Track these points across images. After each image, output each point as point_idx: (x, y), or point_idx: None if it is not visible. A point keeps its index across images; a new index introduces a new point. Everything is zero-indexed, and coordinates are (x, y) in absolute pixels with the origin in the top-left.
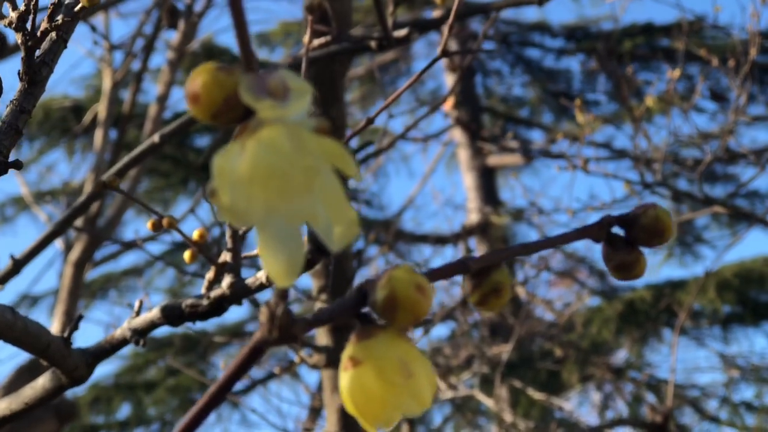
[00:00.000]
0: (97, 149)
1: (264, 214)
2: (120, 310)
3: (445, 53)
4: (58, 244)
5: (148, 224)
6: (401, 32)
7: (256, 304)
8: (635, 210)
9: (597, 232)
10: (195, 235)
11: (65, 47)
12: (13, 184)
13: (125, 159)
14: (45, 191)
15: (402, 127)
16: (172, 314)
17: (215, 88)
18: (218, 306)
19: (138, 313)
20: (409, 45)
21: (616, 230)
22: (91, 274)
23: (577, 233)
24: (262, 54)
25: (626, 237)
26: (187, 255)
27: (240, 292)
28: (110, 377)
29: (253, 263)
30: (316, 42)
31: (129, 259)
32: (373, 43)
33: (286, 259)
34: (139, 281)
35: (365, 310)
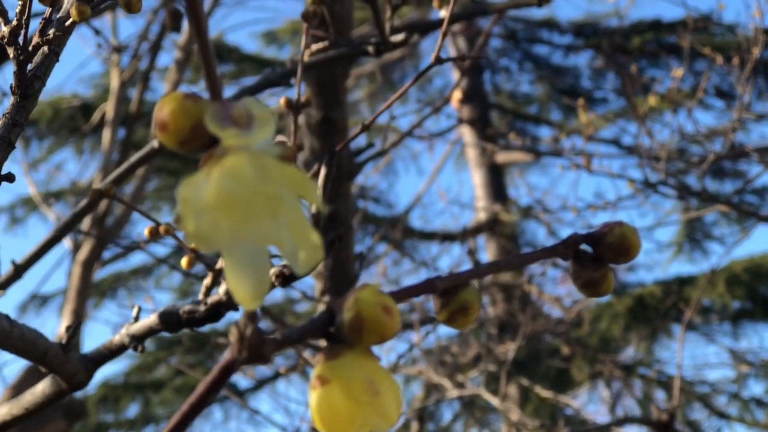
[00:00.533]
0: (105, 148)
1: (229, 239)
2: (129, 310)
3: (439, 60)
4: (66, 244)
5: (146, 231)
6: (398, 37)
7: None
8: (601, 228)
9: (564, 250)
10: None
11: (57, 60)
12: (23, 184)
13: (124, 165)
14: (54, 191)
15: (410, 125)
16: (169, 320)
17: (182, 116)
18: (215, 312)
19: (136, 319)
20: (410, 45)
21: (585, 248)
22: (101, 274)
23: (545, 252)
24: (270, 52)
25: (593, 254)
26: (184, 261)
27: None
28: (119, 376)
29: None
30: (314, 47)
31: (138, 258)
32: (370, 48)
33: (252, 282)
34: (148, 280)
35: (333, 330)
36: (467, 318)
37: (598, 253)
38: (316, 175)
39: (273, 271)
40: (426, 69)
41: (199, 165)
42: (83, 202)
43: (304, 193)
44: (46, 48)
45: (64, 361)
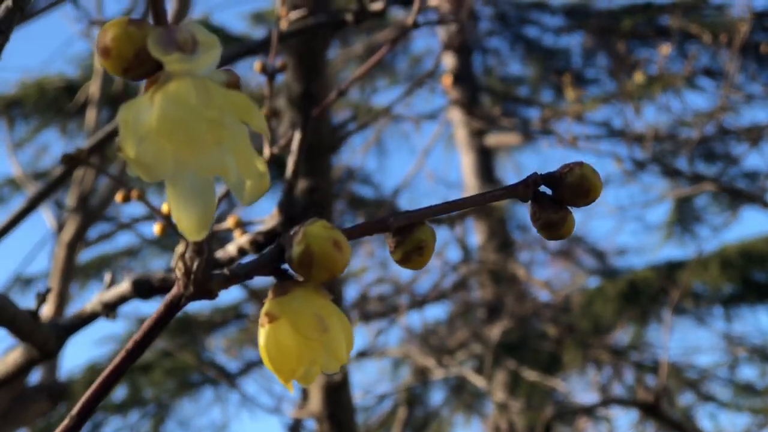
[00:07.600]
0: (89, 129)
1: (173, 168)
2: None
3: (416, 25)
4: (50, 223)
5: (117, 196)
6: (377, 5)
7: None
8: (561, 168)
9: (524, 190)
10: (165, 207)
11: (22, 15)
12: (7, 165)
13: (99, 133)
14: (39, 172)
15: (402, 106)
16: (142, 288)
17: (126, 42)
18: None
19: (109, 287)
20: (400, 27)
21: (545, 189)
22: (86, 255)
23: (502, 192)
24: (258, 33)
25: (553, 196)
26: (156, 228)
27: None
28: (106, 359)
29: (226, 237)
30: (293, 15)
31: (124, 240)
32: (349, 17)
33: (197, 213)
34: (135, 262)
35: (284, 266)
36: (422, 258)
37: (558, 195)
38: (290, 140)
39: (247, 238)
40: (402, 33)
41: (143, 90)
42: (57, 170)
43: (249, 118)
44: (9, 2)
45: (33, 328)
